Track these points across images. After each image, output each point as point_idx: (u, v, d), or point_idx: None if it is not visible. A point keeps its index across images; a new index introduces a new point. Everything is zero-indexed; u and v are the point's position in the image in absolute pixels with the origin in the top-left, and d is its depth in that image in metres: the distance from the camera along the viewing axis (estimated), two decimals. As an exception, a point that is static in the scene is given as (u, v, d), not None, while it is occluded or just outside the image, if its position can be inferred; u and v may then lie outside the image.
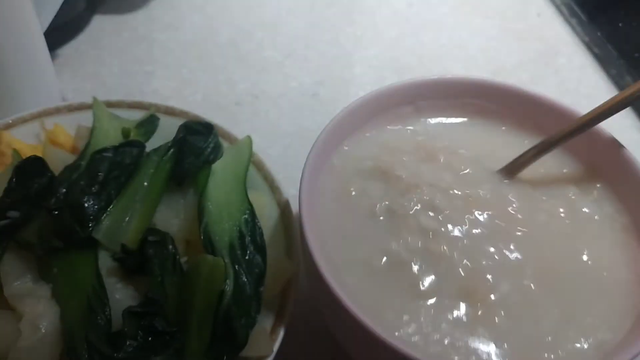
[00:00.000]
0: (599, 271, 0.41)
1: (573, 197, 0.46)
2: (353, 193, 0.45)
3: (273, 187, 0.51)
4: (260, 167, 0.52)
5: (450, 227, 0.42)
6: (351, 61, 0.77)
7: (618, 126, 0.70)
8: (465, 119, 0.51)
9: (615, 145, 0.46)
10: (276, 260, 0.45)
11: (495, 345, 0.37)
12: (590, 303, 0.39)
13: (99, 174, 0.44)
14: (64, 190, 0.43)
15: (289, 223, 0.48)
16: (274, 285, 0.44)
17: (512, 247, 0.42)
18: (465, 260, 0.40)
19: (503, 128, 0.50)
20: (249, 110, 0.69)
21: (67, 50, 0.74)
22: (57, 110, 0.55)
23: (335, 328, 0.42)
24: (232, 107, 0.70)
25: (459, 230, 0.42)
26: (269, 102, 0.71)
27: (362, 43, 0.80)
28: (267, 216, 0.49)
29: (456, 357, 0.36)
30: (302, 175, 0.42)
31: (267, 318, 0.43)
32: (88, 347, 0.37)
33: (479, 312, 0.38)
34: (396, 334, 0.37)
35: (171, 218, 0.46)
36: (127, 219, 0.43)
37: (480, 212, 0.43)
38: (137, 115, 0.55)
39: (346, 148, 0.48)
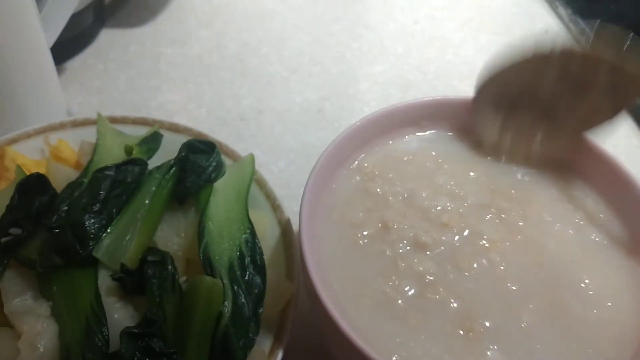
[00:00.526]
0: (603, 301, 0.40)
1: (580, 223, 0.45)
2: (355, 214, 0.45)
3: (274, 205, 0.51)
4: (262, 185, 0.52)
5: (450, 251, 0.42)
6: (356, 77, 0.77)
7: (624, 147, 0.70)
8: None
9: (619, 167, 0.46)
10: (276, 281, 0.45)
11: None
12: (592, 336, 0.38)
13: (101, 192, 0.44)
14: (66, 208, 0.44)
15: (290, 243, 0.48)
16: (273, 307, 0.44)
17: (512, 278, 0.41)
18: (462, 288, 0.40)
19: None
20: (254, 125, 0.70)
21: (74, 63, 0.75)
22: (62, 126, 0.55)
23: (334, 351, 0.41)
24: (237, 122, 0.70)
25: (460, 256, 0.42)
26: (274, 117, 0.71)
27: (368, 59, 0.80)
28: (268, 235, 0.49)
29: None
30: (302, 198, 0.42)
31: (266, 339, 0.43)
32: (85, 367, 0.37)
33: (472, 342, 0.37)
34: (393, 358, 0.37)
35: (172, 236, 0.46)
36: (128, 237, 0.43)
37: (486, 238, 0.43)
38: (141, 131, 0.55)
39: (348, 168, 0.48)
